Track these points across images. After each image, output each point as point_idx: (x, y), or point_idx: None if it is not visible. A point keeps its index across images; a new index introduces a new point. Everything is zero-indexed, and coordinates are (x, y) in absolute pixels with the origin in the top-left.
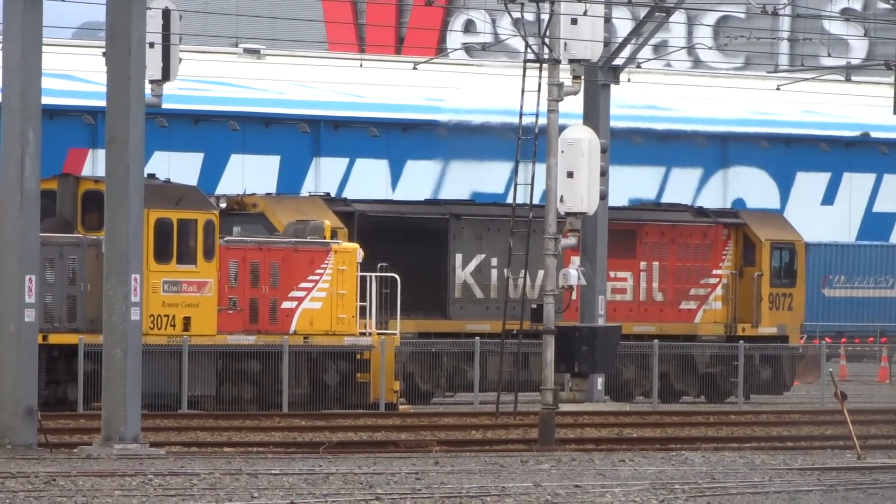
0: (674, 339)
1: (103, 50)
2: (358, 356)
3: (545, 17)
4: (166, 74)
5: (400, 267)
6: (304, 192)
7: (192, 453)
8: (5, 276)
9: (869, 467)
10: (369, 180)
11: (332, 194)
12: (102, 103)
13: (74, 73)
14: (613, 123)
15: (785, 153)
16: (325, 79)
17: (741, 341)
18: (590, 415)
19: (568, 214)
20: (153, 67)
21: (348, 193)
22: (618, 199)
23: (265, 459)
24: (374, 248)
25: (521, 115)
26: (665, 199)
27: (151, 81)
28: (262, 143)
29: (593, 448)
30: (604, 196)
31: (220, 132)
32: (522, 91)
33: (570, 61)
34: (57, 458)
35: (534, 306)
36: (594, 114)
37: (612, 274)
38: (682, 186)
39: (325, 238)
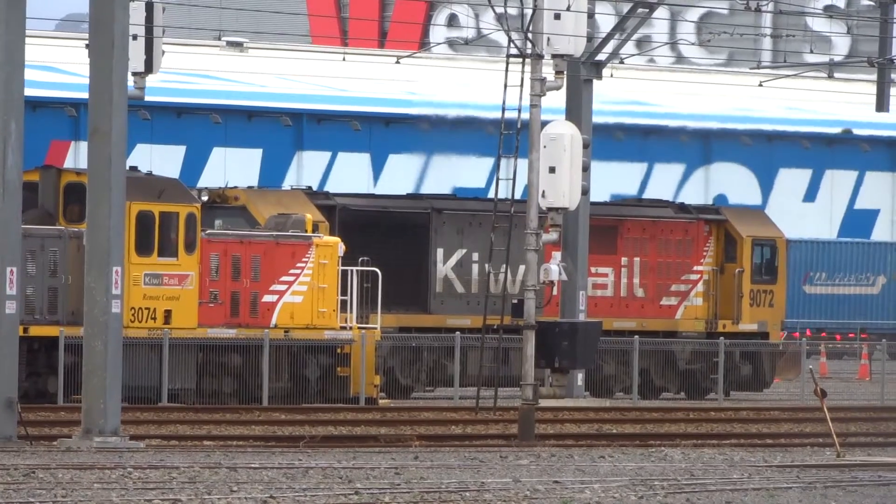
0: (654, 335)
1: (86, 42)
2: (338, 350)
3: (528, 11)
4: (149, 67)
5: (381, 261)
6: (286, 185)
7: (172, 446)
8: None
9: (848, 465)
10: (351, 174)
11: (314, 188)
12: (85, 95)
13: (57, 64)
14: (596, 119)
15: (767, 150)
16: (308, 72)
17: (721, 338)
18: (570, 410)
19: (549, 209)
20: (136, 60)
21: (330, 187)
22: (599, 194)
23: (245, 453)
24: (356, 242)
25: (503, 109)
26: (647, 194)
27: (134, 74)
28: (245, 136)
29: (573, 444)
30: (585, 191)
31: (203, 125)
32: (505, 86)
33: (553, 56)
34: (36, 451)
35: (514, 301)
36: (577, 109)
37: (593, 269)
38: (664, 182)
39: (306, 232)
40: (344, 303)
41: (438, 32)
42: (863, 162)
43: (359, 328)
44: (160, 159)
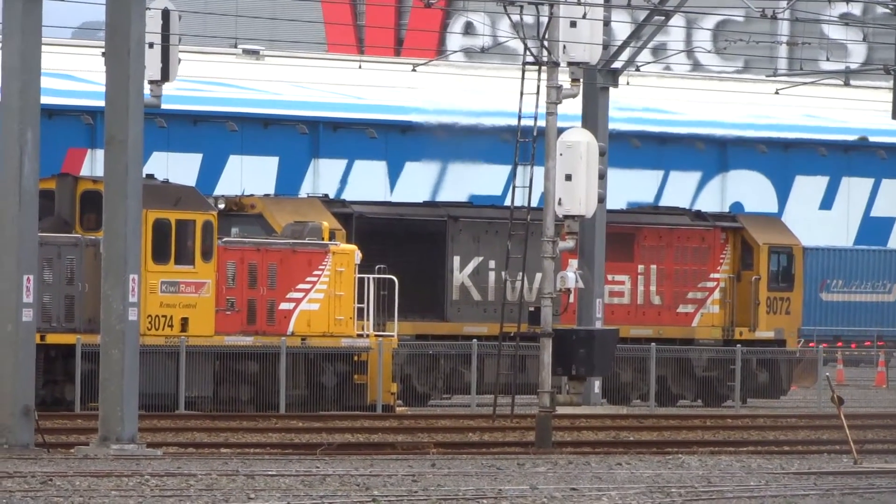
0: (671, 342)
1: (103, 50)
2: (355, 358)
3: (544, 19)
4: (165, 75)
5: (398, 269)
6: (303, 193)
7: (189, 454)
8: (3, 276)
9: (865, 472)
10: (368, 182)
11: (331, 196)
12: (101, 103)
13: (74, 72)
14: (612, 126)
15: (783, 157)
16: (324, 80)
17: (738, 345)
18: (587, 418)
19: (566, 217)
20: (152, 68)
21: (347, 195)
22: (616, 202)
23: (262, 460)
24: (372, 249)
25: (519, 117)
26: (663, 202)
27: (150, 82)
28: (261, 143)
29: (590, 451)
30: (602, 199)
31: (219, 133)
32: (521, 93)
33: (569, 64)
34: (54, 458)
35: (531, 309)
36: (593, 116)
37: (609, 277)
38: (681, 190)
39: (323, 239)
40: (361, 310)
41: (454, 40)
42: (879, 169)
43: (375, 336)
44: (176, 167)
